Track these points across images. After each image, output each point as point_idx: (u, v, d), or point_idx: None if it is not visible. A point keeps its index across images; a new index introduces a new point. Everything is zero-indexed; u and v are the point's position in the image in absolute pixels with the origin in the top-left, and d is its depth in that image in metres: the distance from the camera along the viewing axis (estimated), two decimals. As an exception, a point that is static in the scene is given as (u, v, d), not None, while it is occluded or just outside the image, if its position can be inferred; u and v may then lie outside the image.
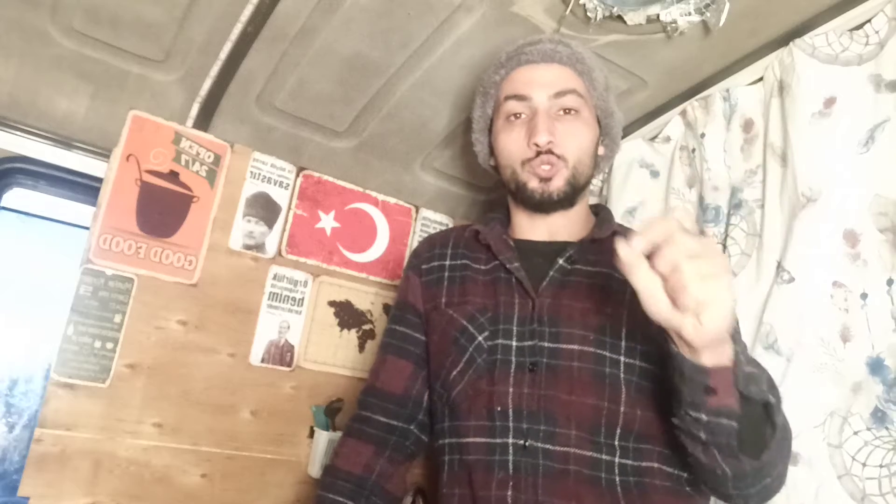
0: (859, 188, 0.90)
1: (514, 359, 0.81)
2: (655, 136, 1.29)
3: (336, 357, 1.44)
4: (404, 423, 0.93)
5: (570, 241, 0.89)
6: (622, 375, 0.78)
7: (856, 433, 0.82)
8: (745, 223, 1.04)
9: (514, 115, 0.90)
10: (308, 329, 1.41)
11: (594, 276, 0.85)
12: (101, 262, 1.21)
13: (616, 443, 0.76)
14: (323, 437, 1.35)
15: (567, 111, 0.88)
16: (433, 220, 1.62)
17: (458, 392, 0.84)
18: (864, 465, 0.80)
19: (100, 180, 1.25)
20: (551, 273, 0.85)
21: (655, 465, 0.76)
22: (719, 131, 1.13)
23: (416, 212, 1.59)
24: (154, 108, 1.27)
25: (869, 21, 0.95)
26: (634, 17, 1.02)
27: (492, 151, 0.97)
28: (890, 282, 0.84)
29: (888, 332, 0.83)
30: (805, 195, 0.94)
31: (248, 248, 1.36)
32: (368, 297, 1.50)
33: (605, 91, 0.94)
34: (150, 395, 1.22)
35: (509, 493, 0.75)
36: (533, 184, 0.88)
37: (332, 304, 1.45)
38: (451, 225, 1.64)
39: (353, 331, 1.48)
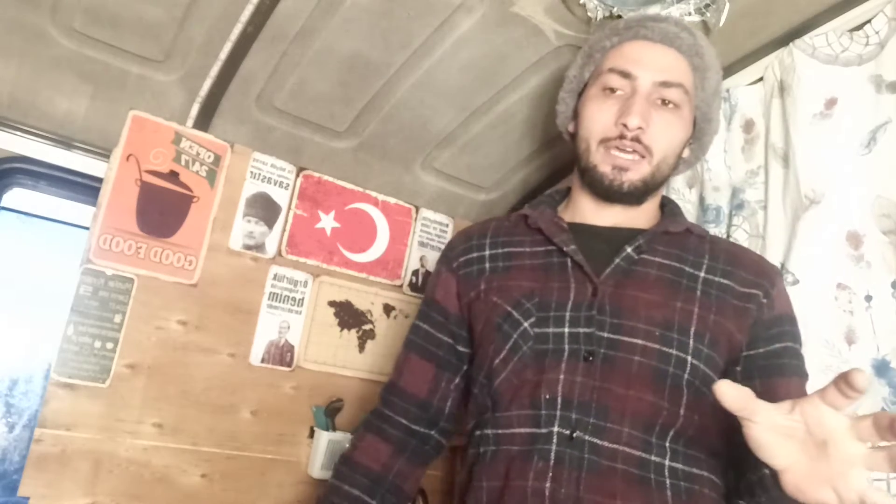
0: (861, 190, 0.90)
1: (566, 346, 0.76)
2: (656, 137, 1.28)
3: (336, 357, 1.44)
4: (426, 428, 0.91)
5: (636, 228, 0.84)
6: (685, 377, 0.74)
7: (859, 435, 0.81)
8: (747, 224, 1.04)
9: (612, 89, 0.83)
10: (308, 329, 1.41)
11: (663, 269, 0.80)
12: (101, 262, 1.21)
13: (668, 444, 0.72)
14: (323, 438, 1.34)
15: (666, 103, 0.82)
16: (433, 221, 1.61)
17: (502, 381, 0.79)
18: (869, 467, 0.80)
19: (100, 180, 1.25)
20: (616, 260, 0.79)
21: (705, 473, 0.73)
22: (720, 131, 1.12)
23: (416, 212, 1.59)
24: (154, 108, 1.27)
25: (869, 21, 0.94)
26: (634, 18, 1.01)
27: (574, 116, 0.90)
28: (894, 283, 0.84)
29: (893, 333, 0.82)
30: (808, 197, 0.94)
31: (248, 248, 1.36)
32: (368, 298, 1.50)
33: (713, 95, 0.88)
34: (150, 395, 1.22)
35: (548, 484, 0.70)
36: (605, 168, 0.82)
37: (332, 304, 1.45)
38: (450, 225, 1.63)
39: (354, 331, 1.47)
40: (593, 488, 0.69)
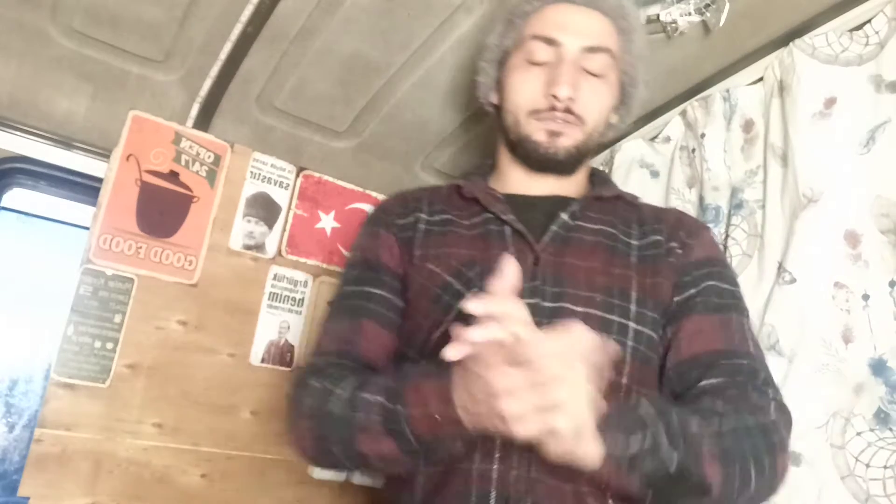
0: (860, 189, 0.90)
1: None
2: (655, 136, 1.29)
3: (336, 357, 1.44)
4: None
5: (568, 196, 0.83)
6: (629, 343, 0.72)
7: (859, 434, 0.82)
8: (746, 223, 1.04)
9: (536, 59, 0.80)
10: (308, 329, 1.41)
11: (598, 235, 0.79)
12: (101, 262, 1.21)
13: None
14: (323, 438, 1.34)
15: (593, 72, 0.80)
16: (433, 221, 1.62)
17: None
18: (867, 465, 0.80)
19: (100, 180, 1.25)
20: (553, 228, 0.77)
21: None
22: (719, 131, 1.12)
23: (417, 212, 1.59)
24: (154, 108, 1.27)
25: (869, 21, 0.94)
26: (635, 17, 1.02)
27: (497, 87, 0.87)
28: (892, 283, 0.84)
29: (891, 333, 0.82)
30: (806, 196, 0.94)
31: (248, 248, 1.36)
32: (368, 298, 1.50)
33: (638, 58, 0.86)
34: (150, 395, 1.22)
35: (495, 466, 0.66)
36: (539, 136, 0.80)
37: (332, 304, 1.45)
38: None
39: (354, 331, 1.48)
40: (546, 468, 0.63)
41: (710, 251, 0.82)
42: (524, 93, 0.81)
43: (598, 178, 0.89)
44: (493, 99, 0.90)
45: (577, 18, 0.81)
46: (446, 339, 0.68)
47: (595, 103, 0.81)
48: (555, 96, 0.78)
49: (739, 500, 0.64)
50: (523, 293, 0.71)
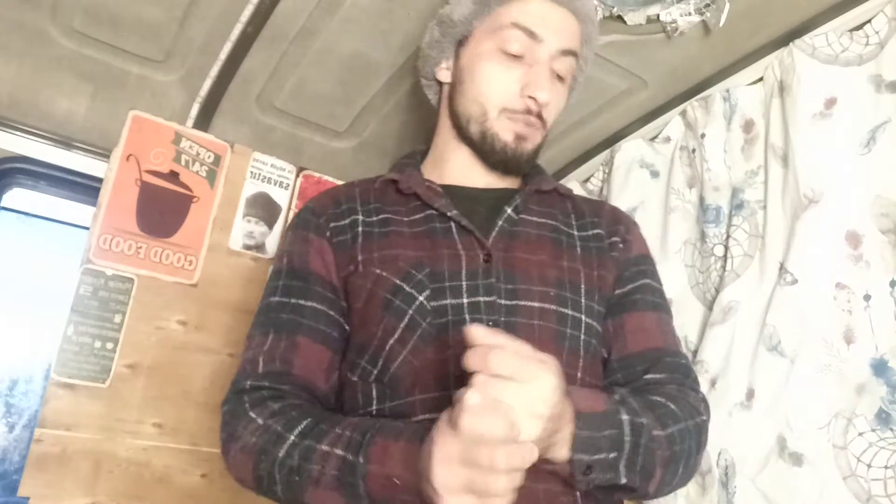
0: (861, 189, 0.90)
1: (468, 317, 0.69)
2: (655, 137, 1.29)
3: (336, 357, 1.44)
4: None
5: (508, 188, 0.82)
6: (582, 337, 0.72)
7: (860, 434, 0.81)
8: (747, 224, 1.04)
9: (514, 51, 0.77)
10: (308, 329, 1.41)
11: (542, 228, 0.78)
12: (101, 262, 1.21)
13: None
14: (323, 438, 1.34)
15: (559, 76, 0.79)
16: (433, 221, 1.62)
17: (400, 364, 0.69)
18: (869, 466, 0.80)
19: (100, 180, 1.25)
20: (500, 223, 0.76)
21: None
22: (719, 131, 1.12)
23: (417, 212, 1.59)
24: (154, 108, 1.27)
25: (869, 21, 0.94)
26: (634, 18, 1.02)
27: (454, 67, 0.83)
28: (893, 283, 0.84)
29: (892, 333, 0.82)
30: (807, 196, 0.94)
31: (248, 248, 1.36)
32: (369, 298, 1.50)
33: (585, 66, 0.86)
34: (150, 395, 1.22)
35: None
36: (507, 137, 0.77)
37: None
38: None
39: (354, 331, 1.48)
40: None
41: (643, 248, 0.84)
42: (498, 87, 0.77)
43: (535, 169, 0.87)
44: (444, 77, 0.84)
45: (556, 17, 0.79)
46: (402, 346, 0.70)
47: (557, 107, 0.81)
48: (533, 99, 0.76)
49: (659, 491, 0.67)
50: (479, 290, 0.71)
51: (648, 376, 0.73)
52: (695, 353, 1.06)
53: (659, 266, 1.14)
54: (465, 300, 0.70)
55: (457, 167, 0.82)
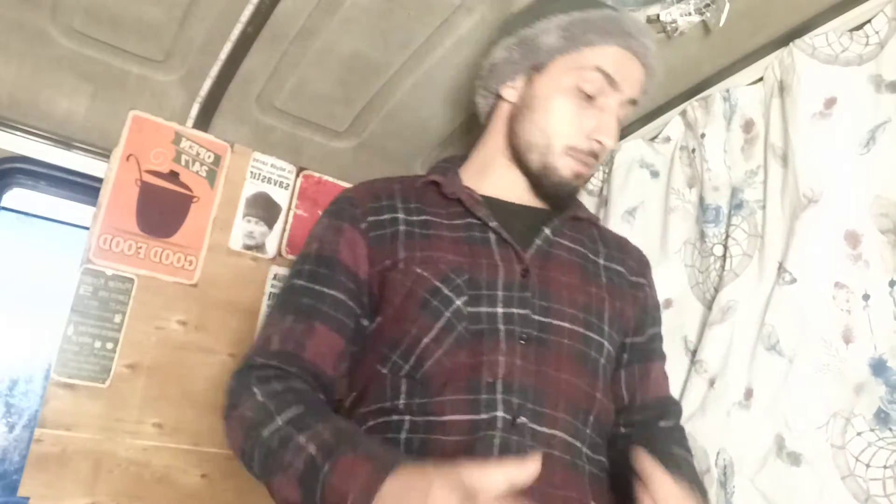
0: (860, 189, 0.90)
1: (502, 327, 0.72)
2: (655, 137, 1.29)
3: (336, 357, 1.44)
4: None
5: (543, 208, 0.85)
6: (602, 360, 0.77)
7: (859, 434, 0.81)
8: (746, 224, 1.04)
9: (591, 92, 0.79)
10: (308, 329, 1.41)
11: (572, 253, 0.82)
12: (101, 262, 1.21)
13: (587, 430, 0.74)
14: (323, 438, 1.34)
15: (619, 121, 0.83)
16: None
17: (434, 363, 0.71)
18: (867, 465, 0.80)
19: (100, 180, 1.25)
20: (537, 241, 0.79)
21: (603, 458, 0.76)
22: (719, 131, 1.12)
23: (417, 212, 1.59)
24: (154, 108, 1.27)
25: (869, 21, 0.94)
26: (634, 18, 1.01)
27: (524, 90, 0.83)
28: (892, 283, 0.84)
29: (891, 333, 0.82)
30: (806, 196, 0.94)
31: (248, 248, 1.36)
32: (368, 298, 1.50)
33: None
34: (150, 395, 1.22)
35: None
36: (567, 173, 0.80)
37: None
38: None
39: (354, 331, 1.48)
40: (539, 477, 0.61)
41: (657, 296, 0.93)
42: (569, 125, 0.79)
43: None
44: (510, 95, 0.85)
45: (635, 71, 0.82)
46: (437, 346, 0.72)
47: (610, 148, 0.84)
48: (600, 144, 0.79)
49: None
50: (514, 302, 0.74)
51: (662, 423, 0.83)
52: (694, 352, 1.06)
53: (659, 266, 1.15)
54: (500, 310, 0.73)
55: (498, 181, 0.85)
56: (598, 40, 0.81)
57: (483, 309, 0.72)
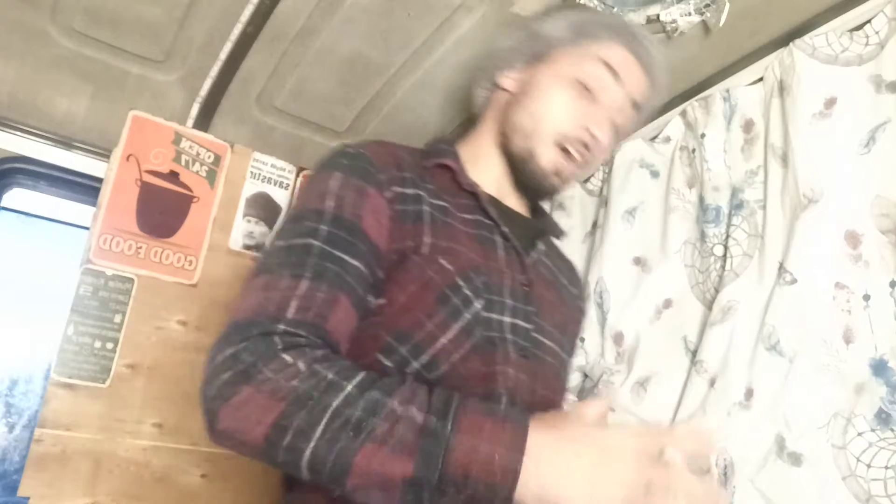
0: (860, 189, 0.90)
1: (510, 337, 0.68)
2: (655, 137, 1.29)
3: (336, 357, 1.44)
4: None
5: (532, 219, 0.85)
6: (565, 378, 0.80)
7: (860, 434, 0.81)
8: (746, 224, 1.04)
9: (591, 86, 0.77)
10: (308, 329, 1.41)
11: (550, 271, 0.83)
12: (101, 262, 1.21)
13: None
14: (323, 438, 1.34)
15: (618, 128, 0.82)
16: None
17: (449, 368, 0.65)
18: (868, 466, 0.80)
19: (100, 180, 1.25)
20: (533, 254, 0.78)
21: None
22: (719, 131, 1.12)
23: (417, 212, 1.59)
24: (154, 108, 1.27)
25: (869, 21, 0.94)
26: (634, 18, 1.01)
27: (523, 78, 0.82)
28: (892, 283, 0.84)
29: (891, 333, 0.82)
30: (806, 196, 0.94)
31: (249, 248, 1.36)
32: (369, 298, 1.50)
33: (638, 123, 0.90)
34: (150, 395, 1.22)
35: None
36: (547, 164, 0.77)
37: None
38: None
39: (354, 331, 1.48)
40: None
41: None
42: (562, 113, 0.77)
43: (543, 210, 0.93)
44: (508, 84, 0.83)
45: (640, 75, 0.82)
46: (454, 349, 0.66)
47: (603, 154, 0.82)
48: (593, 135, 0.77)
49: None
50: (520, 314, 0.70)
51: None
52: (694, 352, 1.06)
53: (659, 266, 1.15)
54: (508, 319, 0.69)
55: (490, 177, 0.81)
56: (604, 36, 0.80)
57: (495, 316, 0.68)
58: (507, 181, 0.82)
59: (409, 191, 0.71)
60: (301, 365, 0.54)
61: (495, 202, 0.79)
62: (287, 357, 0.55)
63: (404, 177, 0.71)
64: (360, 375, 0.54)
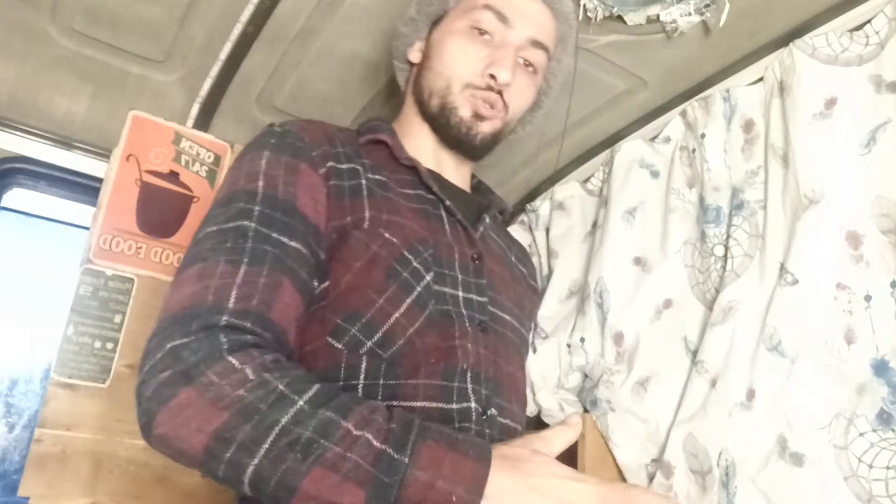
0: (861, 189, 0.90)
1: (464, 311, 0.67)
2: (655, 137, 1.29)
3: (336, 357, 1.44)
4: None
5: (475, 195, 0.85)
6: (524, 354, 0.79)
7: (861, 434, 0.81)
8: (747, 224, 1.04)
9: (482, 30, 0.76)
10: (308, 329, 1.41)
11: (499, 246, 0.82)
12: (101, 262, 1.21)
13: (523, 420, 0.76)
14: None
15: (528, 65, 0.79)
16: (433, 221, 1.61)
17: (405, 342, 0.63)
18: (870, 466, 0.80)
19: (100, 180, 1.25)
20: (481, 229, 0.77)
21: None
22: (719, 132, 1.12)
23: (417, 212, 1.59)
24: (154, 108, 1.27)
25: (869, 21, 0.94)
26: (634, 18, 1.01)
27: (424, 47, 0.82)
28: (894, 283, 0.84)
29: (892, 333, 0.82)
30: (807, 196, 0.94)
31: (249, 248, 1.36)
32: (369, 298, 1.50)
33: (560, 70, 0.87)
34: (150, 396, 1.22)
35: None
36: (465, 113, 0.76)
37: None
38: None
39: (354, 331, 1.48)
40: None
41: None
42: (464, 62, 0.76)
43: (485, 186, 0.91)
44: (415, 57, 0.83)
45: (532, 8, 0.79)
46: (408, 323, 0.63)
47: (522, 96, 0.80)
48: (493, 77, 0.75)
49: None
50: (472, 287, 0.69)
51: None
52: (695, 353, 1.06)
53: (659, 266, 1.15)
54: (461, 293, 0.68)
55: (426, 152, 0.80)
56: None
57: (447, 289, 0.66)
58: (444, 152, 0.81)
59: (344, 165, 0.68)
60: (249, 371, 0.50)
61: (436, 176, 0.79)
62: (233, 360, 0.51)
63: (338, 152, 0.69)
64: (314, 389, 0.51)
